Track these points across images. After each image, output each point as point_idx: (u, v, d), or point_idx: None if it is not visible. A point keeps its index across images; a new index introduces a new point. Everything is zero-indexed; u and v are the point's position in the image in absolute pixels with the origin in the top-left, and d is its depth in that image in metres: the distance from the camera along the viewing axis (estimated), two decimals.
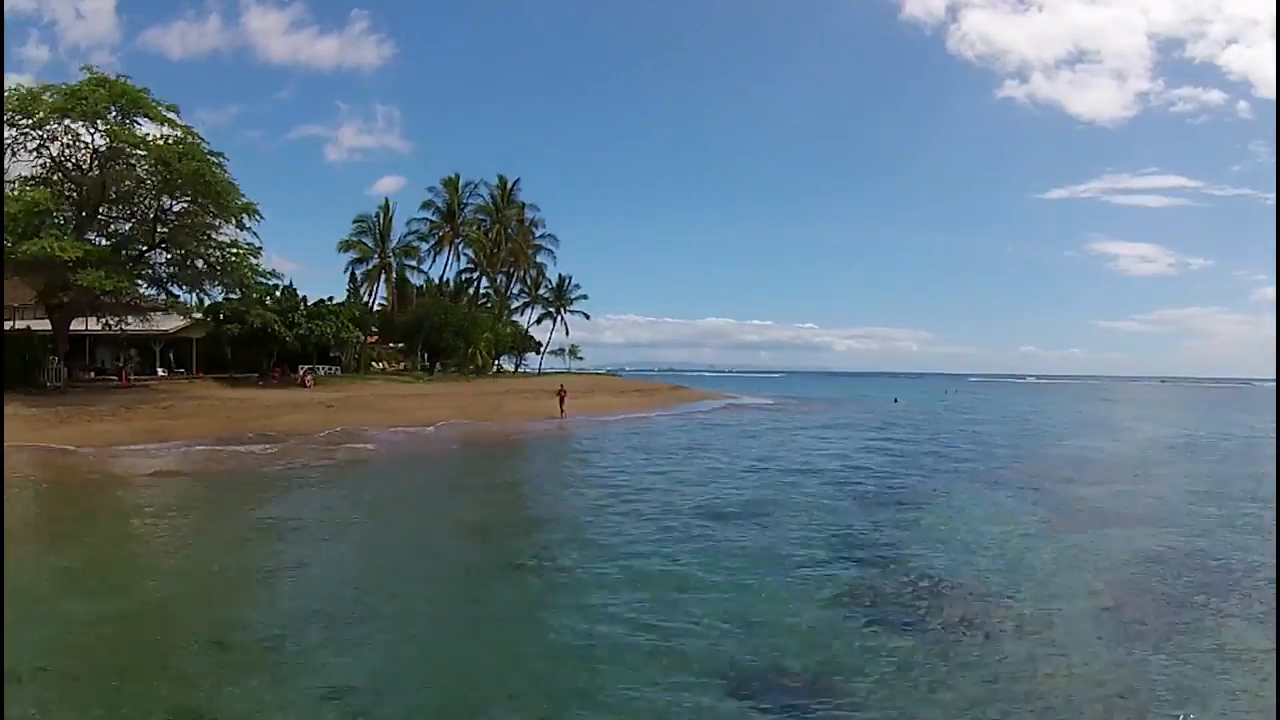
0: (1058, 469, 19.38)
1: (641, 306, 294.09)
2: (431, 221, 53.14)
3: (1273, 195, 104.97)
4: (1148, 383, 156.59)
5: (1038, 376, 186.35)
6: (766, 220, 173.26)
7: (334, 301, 43.72)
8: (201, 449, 19.63)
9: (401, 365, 51.95)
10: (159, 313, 32.60)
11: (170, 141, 27.46)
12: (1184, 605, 8.08)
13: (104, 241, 28.83)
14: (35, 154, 27.55)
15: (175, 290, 31.68)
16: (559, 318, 65.84)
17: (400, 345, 52.71)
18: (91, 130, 27.26)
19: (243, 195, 29.27)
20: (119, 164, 27.94)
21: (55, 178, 27.87)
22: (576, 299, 65.80)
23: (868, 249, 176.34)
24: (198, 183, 27.46)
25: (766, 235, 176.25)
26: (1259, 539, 11.32)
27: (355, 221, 52.19)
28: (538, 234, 59.52)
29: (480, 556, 10.38)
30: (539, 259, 61.31)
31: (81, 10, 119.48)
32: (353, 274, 53.81)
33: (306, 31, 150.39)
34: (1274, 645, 6.54)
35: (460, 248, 55.16)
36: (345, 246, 52.12)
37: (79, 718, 5.30)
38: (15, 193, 26.32)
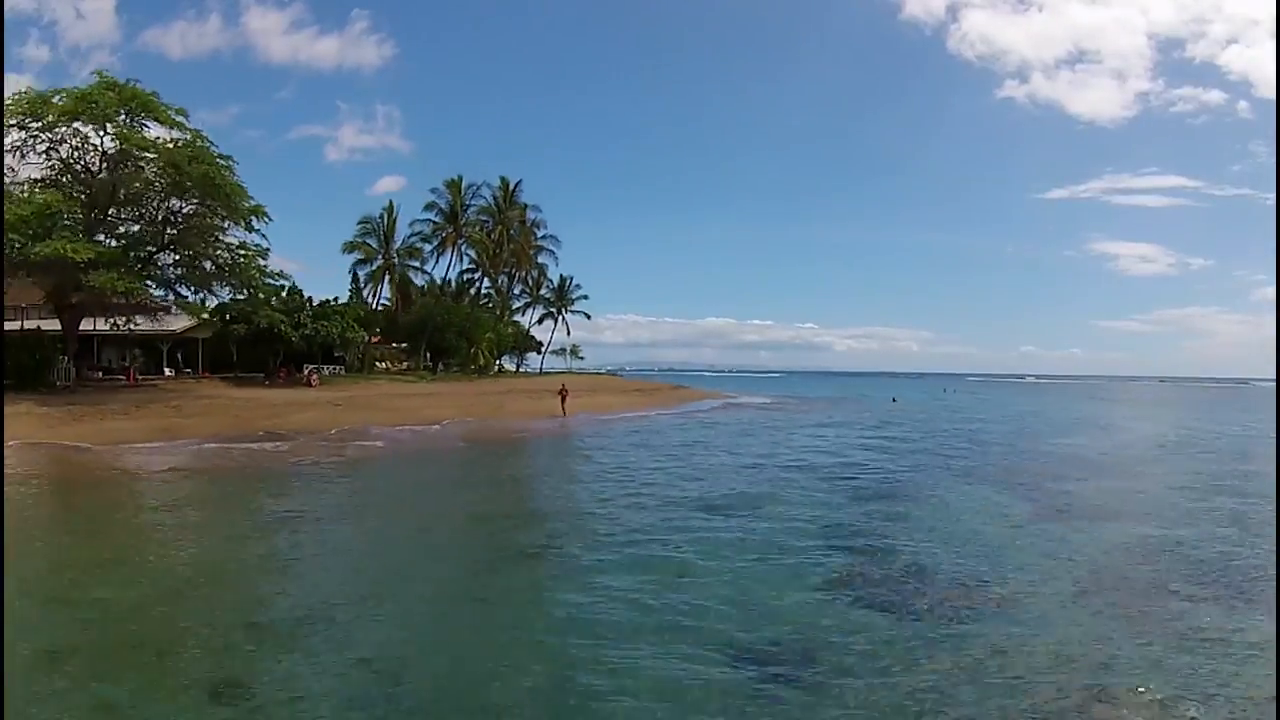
0: (1046, 466, 19.85)
1: (641, 306, 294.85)
2: (435, 223, 53.84)
3: (1273, 195, 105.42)
4: (1146, 383, 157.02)
5: (1036, 376, 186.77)
6: (766, 220, 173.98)
7: (339, 302, 44.27)
8: (213, 446, 20.12)
9: (404, 365, 52.48)
10: (165, 313, 33.14)
11: (180, 145, 27.90)
12: (1155, 590, 8.55)
13: (113, 243, 29.31)
14: (44, 156, 28.08)
15: (183, 291, 32.21)
16: (560, 318, 66.41)
17: (404, 345, 53.28)
18: (101, 133, 27.75)
19: (251, 198, 29.76)
20: (128, 166, 28.42)
21: (65, 180, 28.35)
22: (577, 299, 66.38)
23: (868, 249, 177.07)
24: (207, 185, 27.92)
25: (766, 235, 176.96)
26: (1237, 530, 11.79)
27: (360, 223, 53.21)
28: (539, 235, 60.19)
29: (490, 544, 10.89)
30: (540, 259, 62.00)
31: (81, 10, 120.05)
32: (354, 274, 54.57)
33: (307, 31, 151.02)
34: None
35: (463, 248, 55.80)
36: (350, 248, 52.92)
37: (120, 690, 5.72)
38: (27, 194, 26.84)
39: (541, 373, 64.58)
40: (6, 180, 27.90)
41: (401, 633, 7.02)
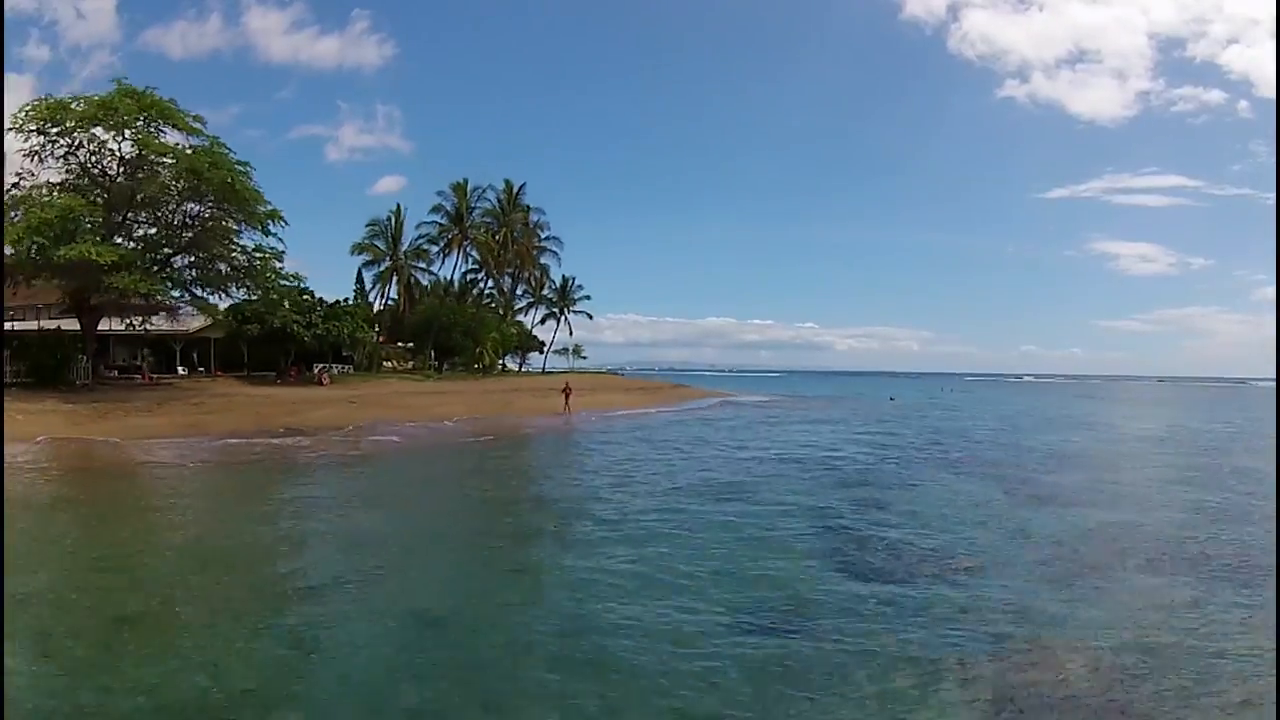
0: (1027, 460, 20.88)
1: (642, 306, 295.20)
2: (441, 225, 55.14)
3: (1273, 195, 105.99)
4: (1145, 382, 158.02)
5: (1035, 376, 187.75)
6: (766, 220, 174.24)
7: (349, 302, 45.40)
8: (238, 441, 21.16)
9: (410, 364, 53.58)
10: (181, 313, 34.17)
11: (199, 151, 28.90)
12: (1104, 564, 9.58)
13: (131, 245, 30.30)
14: (62, 161, 29.07)
15: (198, 292, 33.20)
16: (563, 318, 67.41)
17: (410, 345, 54.43)
18: (119, 139, 28.72)
19: (268, 203, 30.78)
20: (145, 171, 29.40)
21: (83, 183, 29.31)
22: (580, 299, 67.40)
23: (868, 249, 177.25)
24: (226, 191, 28.92)
25: (766, 235, 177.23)
26: (1192, 516, 12.85)
27: (368, 225, 54.84)
28: (543, 236, 61.32)
29: (507, 523, 12.07)
30: (543, 260, 63.04)
31: (82, 10, 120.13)
32: (359, 274, 55.94)
33: (307, 31, 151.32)
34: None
35: (467, 249, 57.01)
36: (358, 249, 54.26)
37: (195, 638, 6.64)
38: (49, 198, 27.86)
39: (544, 372, 65.58)
40: (26, 184, 29.02)
41: (437, 592, 8.16)
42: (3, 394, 22.10)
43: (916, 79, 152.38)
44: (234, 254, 31.53)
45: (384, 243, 54.61)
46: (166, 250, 31.38)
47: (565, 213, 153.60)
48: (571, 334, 69.29)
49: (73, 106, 28.06)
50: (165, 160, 28.99)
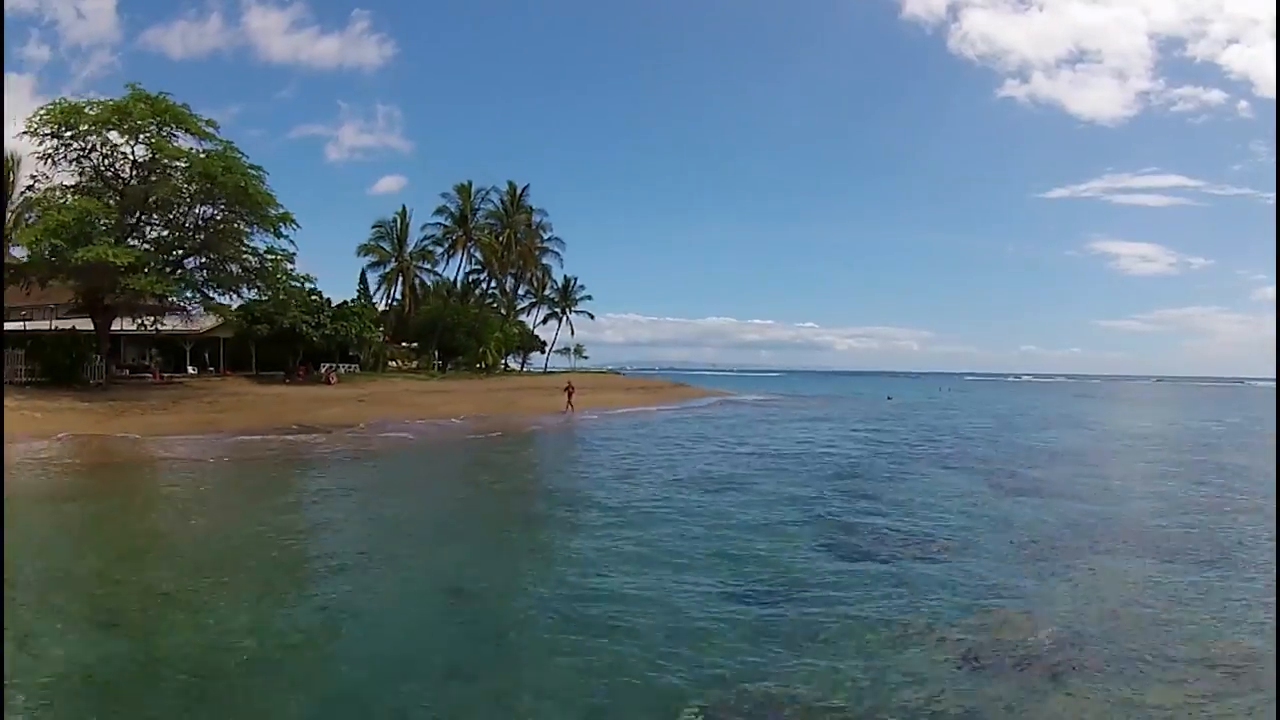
0: (1016, 456, 21.61)
1: (642, 306, 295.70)
2: (445, 226, 55.99)
3: (1273, 195, 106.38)
4: (1143, 382, 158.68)
5: (1034, 375, 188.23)
6: (766, 220, 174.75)
7: (355, 303, 46.17)
8: (254, 438, 21.90)
9: (414, 364, 54.35)
10: (191, 314, 34.88)
11: (213, 156, 29.59)
12: (1076, 549, 10.26)
13: (144, 247, 31.00)
14: (75, 164, 29.77)
15: (209, 293, 33.89)
16: (564, 318, 68.15)
17: (414, 345, 55.23)
18: (133, 143, 29.40)
19: (280, 206, 31.48)
20: (158, 174, 30.09)
21: (97, 185, 30.01)
22: (581, 299, 68.14)
23: (868, 249, 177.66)
24: (239, 195, 29.61)
25: (766, 235, 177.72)
26: (1167, 506, 13.58)
27: (374, 226, 55.88)
28: (545, 237, 62.09)
29: (518, 511, 12.94)
30: (545, 261, 63.81)
31: (82, 10, 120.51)
32: (363, 275, 56.85)
33: (307, 31, 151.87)
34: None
35: (471, 250, 57.79)
36: (364, 251, 55.18)
37: (237, 609, 7.25)
38: (64, 200, 28.58)
39: (546, 371, 66.30)
40: (40, 186, 29.78)
41: (457, 569, 8.91)
42: (2, 394, 22.64)
43: (916, 79, 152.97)
44: (245, 256, 32.24)
45: (390, 244, 55.57)
46: (179, 252, 32.04)
47: (565, 212, 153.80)
48: (573, 334, 70.08)
49: (86, 110, 28.68)
50: (178, 164, 29.66)
